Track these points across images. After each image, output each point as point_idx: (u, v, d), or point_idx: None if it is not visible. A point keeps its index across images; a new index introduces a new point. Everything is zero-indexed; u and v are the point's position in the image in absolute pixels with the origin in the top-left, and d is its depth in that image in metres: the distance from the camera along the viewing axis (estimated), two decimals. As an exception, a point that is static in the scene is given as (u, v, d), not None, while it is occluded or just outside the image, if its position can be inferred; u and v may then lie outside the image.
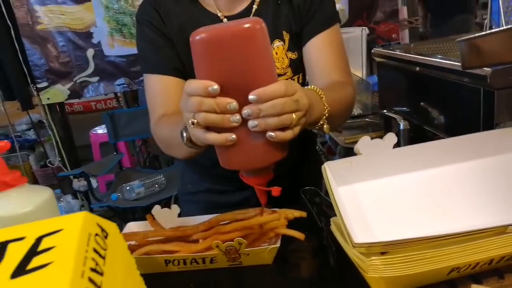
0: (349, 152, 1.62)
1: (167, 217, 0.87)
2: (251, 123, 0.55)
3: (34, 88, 2.50)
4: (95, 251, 0.43)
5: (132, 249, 0.80)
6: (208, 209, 1.04)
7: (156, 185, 2.53)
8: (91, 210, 2.73)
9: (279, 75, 0.92)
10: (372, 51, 1.51)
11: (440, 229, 0.54)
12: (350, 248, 0.56)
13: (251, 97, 0.54)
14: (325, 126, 0.72)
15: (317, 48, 0.93)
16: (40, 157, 3.79)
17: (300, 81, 0.97)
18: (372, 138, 0.64)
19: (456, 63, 0.93)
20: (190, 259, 0.75)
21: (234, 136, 0.56)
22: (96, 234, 0.45)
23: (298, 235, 0.73)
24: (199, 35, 0.55)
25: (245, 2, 0.94)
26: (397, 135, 1.27)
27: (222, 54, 0.55)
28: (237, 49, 0.54)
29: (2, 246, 0.41)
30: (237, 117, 0.55)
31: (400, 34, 2.96)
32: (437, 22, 3.42)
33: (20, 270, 0.38)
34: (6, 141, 0.61)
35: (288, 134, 0.58)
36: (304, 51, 0.94)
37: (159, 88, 0.92)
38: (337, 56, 0.93)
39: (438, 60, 1.04)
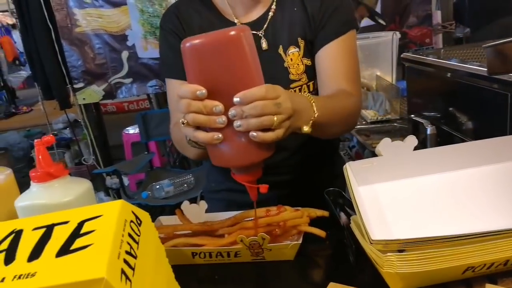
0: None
1: (195, 212, 0.91)
2: (235, 124, 0.60)
3: (71, 88, 2.61)
4: (130, 236, 0.47)
5: (161, 241, 0.85)
6: (229, 207, 1.08)
7: (185, 185, 2.59)
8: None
9: (294, 80, 0.94)
10: (402, 55, 1.52)
11: (458, 229, 0.55)
12: (368, 244, 0.58)
13: (235, 99, 0.59)
14: (304, 128, 0.73)
15: (327, 56, 0.94)
16: (75, 155, 3.94)
17: (315, 87, 0.98)
18: (392, 140, 0.66)
19: (483, 69, 0.93)
20: (216, 253, 0.79)
21: (220, 135, 0.61)
22: (131, 221, 0.49)
23: (320, 232, 0.75)
24: (188, 42, 0.61)
25: (261, 9, 0.97)
26: (424, 140, 1.28)
27: (209, 60, 0.60)
28: (222, 55, 0.60)
29: (48, 229, 0.46)
30: (222, 118, 0.60)
31: (433, 39, 2.92)
32: (476, 26, 3.35)
33: (65, 250, 0.43)
34: (51, 135, 0.67)
35: (269, 135, 0.62)
36: (316, 58, 0.96)
37: None
38: (346, 65, 0.94)
39: (465, 66, 1.05)
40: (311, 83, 0.96)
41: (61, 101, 2.68)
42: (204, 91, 0.60)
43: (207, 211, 0.91)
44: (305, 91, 0.95)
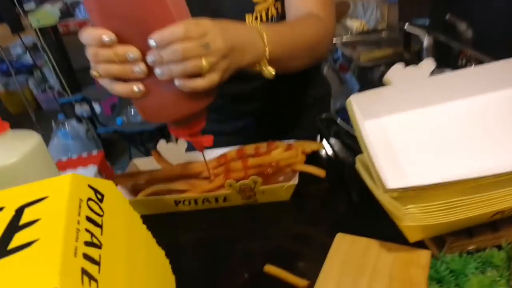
0: (365, 71, 1.51)
1: (174, 152, 0.81)
2: (156, 72, 0.50)
3: (21, 10, 2.32)
4: (89, 219, 0.36)
5: (138, 188, 0.75)
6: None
7: (161, 107, 2.46)
8: (98, 136, 2.71)
9: (257, 3, 0.78)
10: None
11: (486, 167, 0.46)
12: (381, 193, 0.49)
13: (150, 42, 0.48)
14: (265, 70, 0.61)
15: None
16: (40, 81, 3.69)
17: (280, 10, 0.81)
18: (405, 65, 0.54)
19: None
20: (202, 199, 0.70)
21: (141, 86, 0.51)
22: (89, 199, 0.38)
23: (318, 172, 0.66)
24: None
25: None
26: (420, 53, 1.16)
27: None
28: None
29: (-26, 220, 0.35)
30: (140, 67, 0.49)
31: None
32: None
33: (0, 250, 0.32)
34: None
35: (200, 83, 0.51)
36: None
37: None
38: None
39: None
40: (278, 4, 0.79)
41: (12, 24, 2.39)
42: (111, 36, 0.48)
43: (187, 149, 0.81)
44: (272, 15, 0.79)
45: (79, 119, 2.64)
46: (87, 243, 0.34)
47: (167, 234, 0.70)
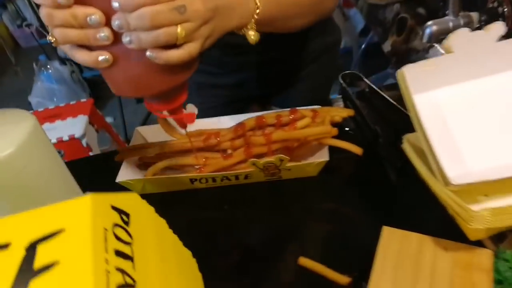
0: (375, 9, 1.39)
1: (183, 119, 0.72)
2: (124, 39, 0.42)
3: None
4: (118, 254, 0.29)
5: (147, 162, 0.68)
6: (201, 90, 0.92)
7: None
8: (85, 79, 2.56)
9: None
10: None
11: None
12: (440, 186, 0.43)
13: (113, 4, 0.40)
14: (251, 34, 0.53)
15: None
16: (15, 16, 3.42)
17: None
18: (471, 30, 0.45)
19: None
20: (221, 177, 0.63)
21: (107, 56, 0.43)
22: (115, 225, 0.31)
23: (355, 149, 0.59)
24: None
25: None
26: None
27: None
28: None
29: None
30: (105, 33, 0.41)
31: None
32: None
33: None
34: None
35: (175, 54, 0.43)
36: None
37: None
38: None
39: None
40: None
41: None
42: None
43: (198, 115, 0.72)
44: None
45: (62, 61, 2.48)
46: (121, 287, 0.28)
47: (183, 214, 0.64)
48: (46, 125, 1.71)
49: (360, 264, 0.50)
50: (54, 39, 0.43)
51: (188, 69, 0.48)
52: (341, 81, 0.77)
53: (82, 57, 0.43)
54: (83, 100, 1.85)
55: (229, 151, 0.65)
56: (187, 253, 0.46)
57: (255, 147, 0.62)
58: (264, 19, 0.53)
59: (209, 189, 0.66)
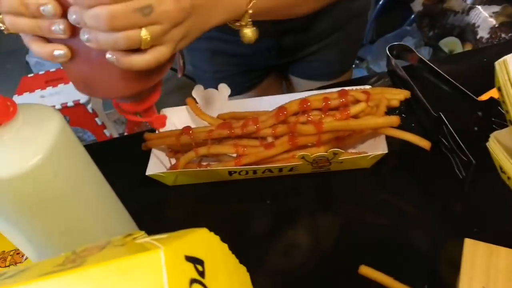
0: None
1: (214, 100, 0.65)
2: (82, 36, 0.36)
3: None
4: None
5: (178, 149, 0.61)
6: (215, 57, 0.85)
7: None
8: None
9: None
10: None
11: None
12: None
13: None
14: (246, 32, 0.47)
15: None
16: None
17: None
18: None
19: None
20: (263, 170, 0.56)
21: (63, 50, 0.38)
22: (192, 281, 0.25)
23: (423, 143, 0.52)
24: None
25: None
26: None
27: None
28: None
29: None
30: (60, 26, 0.36)
31: None
32: None
33: None
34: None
35: (138, 60, 0.37)
36: None
37: None
38: None
39: None
40: None
41: None
42: None
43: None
44: None
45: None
46: None
47: (219, 208, 0.58)
48: (49, 90, 1.62)
49: (428, 274, 0.45)
50: (4, 26, 0.37)
51: (158, 72, 0.42)
52: (388, 54, 0.69)
53: (37, 48, 0.38)
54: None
55: (270, 139, 0.58)
56: (243, 269, 0.41)
57: (302, 137, 0.55)
58: (260, 12, 0.46)
59: (248, 180, 0.59)
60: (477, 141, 0.55)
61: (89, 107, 1.58)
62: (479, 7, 0.98)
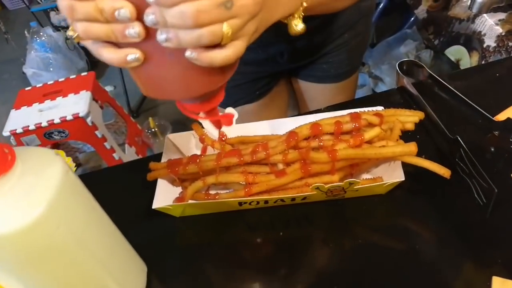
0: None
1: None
2: (159, 37, 0.35)
3: None
4: None
5: (185, 177, 0.59)
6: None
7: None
8: (84, 49, 2.41)
9: None
10: None
11: None
12: None
13: None
14: (296, 23, 0.47)
15: None
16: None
17: None
18: None
19: None
20: (275, 200, 0.54)
21: (137, 54, 0.37)
22: None
23: (443, 171, 0.50)
24: None
25: None
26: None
27: None
28: None
29: None
30: (135, 29, 0.35)
31: None
32: None
33: None
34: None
35: (219, 56, 0.36)
36: None
37: None
38: None
39: None
40: None
41: None
42: None
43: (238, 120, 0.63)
44: None
45: (56, 28, 2.31)
46: None
47: (230, 238, 0.56)
48: (48, 103, 1.60)
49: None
50: (75, 34, 0.37)
51: (230, 69, 0.41)
52: (398, 71, 0.67)
53: (108, 55, 0.37)
54: (83, 74, 1.73)
55: (281, 166, 0.56)
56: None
57: (315, 164, 0.53)
58: (312, 5, 0.48)
59: (258, 209, 0.57)
60: (496, 162, 0.53)
61: (88, 119, 1.56)
62: (485, 14, 0.96)
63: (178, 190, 0.60)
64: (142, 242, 0.57)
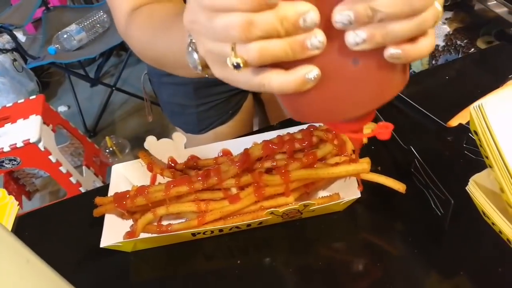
0: None
1: (168, 149, 0.59)
2: (353, 38, 0.26)
3: None
4: None
5: (134, 210, 0.55)
6: (198, 90, 0.79)
7: (98, 25, 2.07)
8: (34, 70, 2.31)
9: None
10: None
11: None
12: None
13: None
14: None
15: None
16: None
17: None
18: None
19: None
20: (229, 228, 0.51)
21: (316, 71, 0.28)
22: None
23: (398, 186, 0.49)
24: None
25: None
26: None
27: None
28: None
29: None
30: (318, 38, 0.27)
31: None
32: None
33: None
34: None
35: (427, 45, 0.28)
36: None
37: None
38: None
39: None
40: None
41: None
42: None
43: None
44: None
45: (1, 51, 2.20)
46: None
47: (186, 270, 0.53)
48: (-5, 131, 1.51)
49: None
50: (243, 60, 0.27)
51: (405, 74, 0.32)
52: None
53: (283, 79, 0.28)
54: (32, 97, 1.64)
55: (234, 190, 0.53)
56: None
57: (268, 187, 0.51)
58: None
59: (214, 237, 0.54)
60: (451, 170, 0.53)
61: (40, 145, 1.48)
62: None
63: (128, 223, 0.56)
64: (92, 284, 0.53)
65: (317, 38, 0.26)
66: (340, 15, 0.26)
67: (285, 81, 0.28)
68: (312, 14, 0.26)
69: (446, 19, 0.95)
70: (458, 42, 0.91)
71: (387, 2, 0.25)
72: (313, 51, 0.27)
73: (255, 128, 1.08)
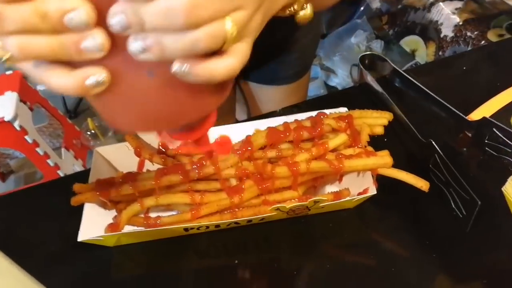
0: None
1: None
2: (132, 45, 0.23)
3: None
4: None
5: (118, 200, 0.49)
6: None
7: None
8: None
9: None
10: None
11: None
12: None
13: None
14: (302, 12, 0.37)
15: None
16: None
17: None
18: None
19: None
20: (228, 223, 0.46)
21: (102, 76, 0.25)
22: None
23: (421, 183, 0.44)
24: None
25: None
26: None
27: None
28: None
29: None
30: (96, 39, 0.23)
31: None
32: None
33: None
34: None
35: (221, 66, 0.25)
36: None
37: None
38: None
39: None
40: None
41: None
42: None
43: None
44: None
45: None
46: None
47: (175, 269, 0.47)
48: (-34, 108, 1.41)
49: None
50: (7, 54, 0.24)
51: (230, 82, 0.30)
52: (361, 66, 0.60)
53: (58, 81, 0.25)
54: (8, 72, 1.55)
55: (233, 181, 0.47)
56: None
57: (275, 179, 0.45)
58: None
59: (209, 232, 0.49)
60: (471, 167, 0.48)
61: (16, 124, 1.39)
62: (441, 3, 0.92)
63: (111, 214, 0.50)
64: (67, 283, 0.47)
65: (94, 40, 0.23)
66: (111, 17, 0.22)
67: (65, 83, 0.25)
68: (81, 13, 0.22)
69: (456, 8, 0.91)
70: (468, 34, 0.86)
71: (152, 11, 0.22)
72: (92, 54, 0.23)
73: (241, 117, 1.03)
